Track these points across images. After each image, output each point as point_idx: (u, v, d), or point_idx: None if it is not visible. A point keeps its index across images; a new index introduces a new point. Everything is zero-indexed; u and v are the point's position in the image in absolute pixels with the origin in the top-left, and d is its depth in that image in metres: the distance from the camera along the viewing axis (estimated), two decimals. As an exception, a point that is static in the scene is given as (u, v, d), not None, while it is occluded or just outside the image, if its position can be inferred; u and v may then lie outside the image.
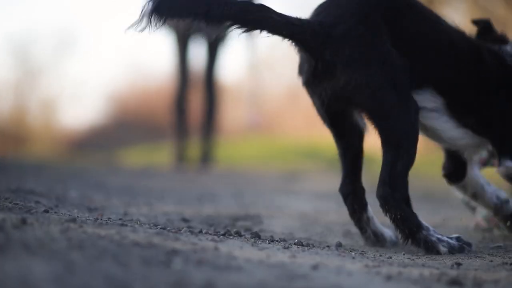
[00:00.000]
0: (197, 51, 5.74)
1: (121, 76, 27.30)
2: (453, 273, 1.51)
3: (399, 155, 1.88)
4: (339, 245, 1.87)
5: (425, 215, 2.41)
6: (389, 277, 1.43)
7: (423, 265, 1.62)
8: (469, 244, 1.88)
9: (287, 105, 19.34)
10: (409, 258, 1.72)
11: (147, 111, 25.51)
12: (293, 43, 1.92)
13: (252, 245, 1.73)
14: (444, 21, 2.07)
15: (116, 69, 51.73)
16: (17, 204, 2.02)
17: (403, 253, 1.81)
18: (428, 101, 1.99)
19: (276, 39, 1.92)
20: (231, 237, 1.85)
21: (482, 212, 2.23)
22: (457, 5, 13.45)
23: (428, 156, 10.97)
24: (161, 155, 13.08)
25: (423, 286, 1.37)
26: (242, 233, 1.93)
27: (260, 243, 1.78)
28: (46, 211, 1.94)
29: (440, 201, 2.89)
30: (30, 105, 35.27)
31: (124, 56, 47.91)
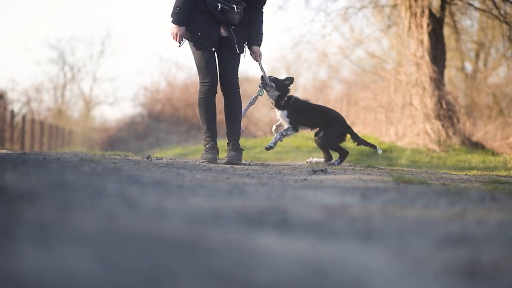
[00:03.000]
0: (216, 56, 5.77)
1: (157, 73, 27.46)
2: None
3: None
4: (362, 238, 1.91)
5: (443, 208, 2.45)
6: (411, 269, 1.46)
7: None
8: None
9: (315, 100, 19.26)
10: (432, 248, 1.74)
11: (182, 107, 25.51)
12: None
13: (278, 238, 1.76)
14: None
15: (152, 65, 51.72)
16: (56, 198, 2.07)
17: (423, 244, 1.84)
18: None
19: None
20: (258, 229, 1.88)
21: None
22: (470, 13, 13.22)
23: (445, 153, 10.82)
24: (195, 150, 13.09)
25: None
26: (269, 226, 1.96)
27: (286, 236, 1.81)
28: (85, 205, 1.99)
29: (458, 194, 2.89)
30: (69, 101, 35.47)
31: (160, 52, 47.91)
